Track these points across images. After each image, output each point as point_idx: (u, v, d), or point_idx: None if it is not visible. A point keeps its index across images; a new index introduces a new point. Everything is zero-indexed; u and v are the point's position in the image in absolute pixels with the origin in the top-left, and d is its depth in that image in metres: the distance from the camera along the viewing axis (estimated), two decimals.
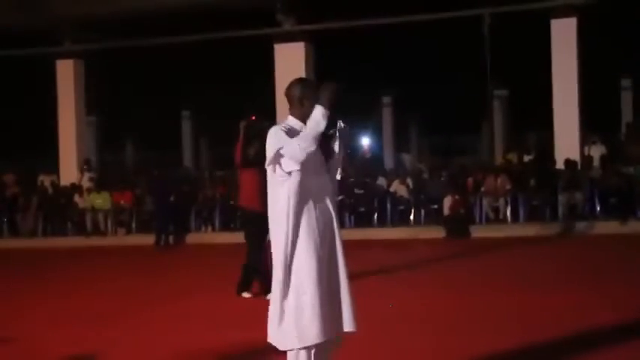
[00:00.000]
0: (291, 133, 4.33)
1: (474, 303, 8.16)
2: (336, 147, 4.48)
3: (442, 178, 18.13)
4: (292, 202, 4.32)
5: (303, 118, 4.39)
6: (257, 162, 8.34)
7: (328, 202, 4.43)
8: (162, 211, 17.65)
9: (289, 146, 4.26)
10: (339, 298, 4.37)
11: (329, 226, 4.42)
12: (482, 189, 17.27)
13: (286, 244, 4.32)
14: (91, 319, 8.15)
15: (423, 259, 12.69)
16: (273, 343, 4.38)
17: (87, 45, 21.21)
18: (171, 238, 17.66)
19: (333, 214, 4.45)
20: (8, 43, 20.54)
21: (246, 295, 9.05)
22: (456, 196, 16.42)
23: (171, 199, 17.82)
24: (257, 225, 8.47)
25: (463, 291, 9.07)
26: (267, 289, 8.48)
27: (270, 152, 4.34)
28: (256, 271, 8.92)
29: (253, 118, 9.07)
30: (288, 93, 4.48)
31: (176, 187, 18.51)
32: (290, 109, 4.49)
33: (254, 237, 8.82)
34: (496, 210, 17.15)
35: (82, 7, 19.59)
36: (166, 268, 13.57)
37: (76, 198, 19.70)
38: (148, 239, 17.81)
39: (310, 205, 4.35)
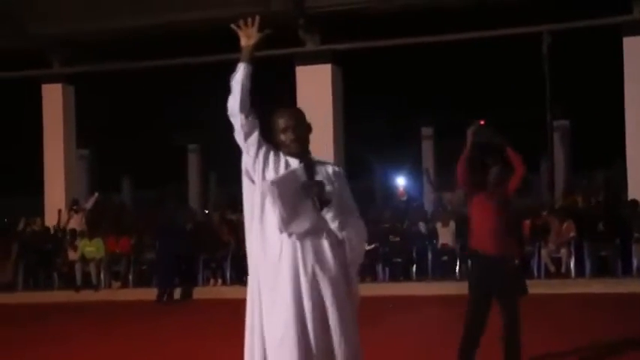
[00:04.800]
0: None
1: None
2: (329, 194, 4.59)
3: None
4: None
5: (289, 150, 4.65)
6: (492, 184, 7.63)
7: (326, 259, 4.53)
8: (168, 261, 17.59)
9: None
10: None
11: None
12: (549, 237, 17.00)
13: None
14: None
15: None
16: None
17: (78, 67, 21.34)
18: (176, 293, 17.55)
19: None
20: None
21: None
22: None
23: (180, 246, 17.81)
24: (486, 274, 7.58)
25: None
26: None
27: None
28: (472, 340, 7.69)
29: (482, 123, 8.05)
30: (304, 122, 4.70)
31: (183, 231, 18.48)
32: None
33: (477, 291, 7.67)
34: (557, 262, 16.91)
35: (73, 24, 19.75)
36: (171, 329, 13.44)
37: (70, 253, 19.48)
38: (147, 294, 17.72)
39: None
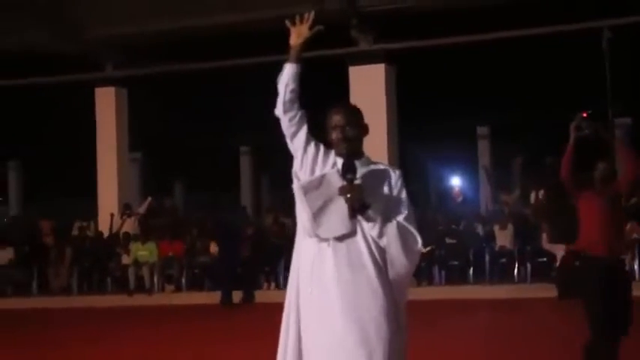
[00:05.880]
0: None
1: None
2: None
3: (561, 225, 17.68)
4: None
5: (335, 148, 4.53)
6: (599, 182, 7.14)
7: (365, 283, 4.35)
8: (229, 264, 17.66)
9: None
10: None
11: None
12: None
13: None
14: None
15: (529, 324, 12.36)
16: None
17: (130, 70, 21.50)
18: (237, 296, 17.55)
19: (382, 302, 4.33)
20: (40, 69, 20.93)
21: None
22: (571, 247, 16.01)
23: (242, 249, 17.93)
24: (598, 279, 7.00)
25: None
26: None
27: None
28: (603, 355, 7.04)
29: (585, 115, 7.34)
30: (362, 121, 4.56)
31: (244, 235, 18.56)
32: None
33: (594, 297, 7.04)
34: None
35: (126, 27, 19.89)
36: (226, 332, 13.46)
37: (124, 257, 19.62)
38: (200, 298, 17.83)
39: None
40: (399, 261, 4.32)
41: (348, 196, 4.28)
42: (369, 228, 4.33)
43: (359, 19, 18.94)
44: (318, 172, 4.43)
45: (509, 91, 21.70)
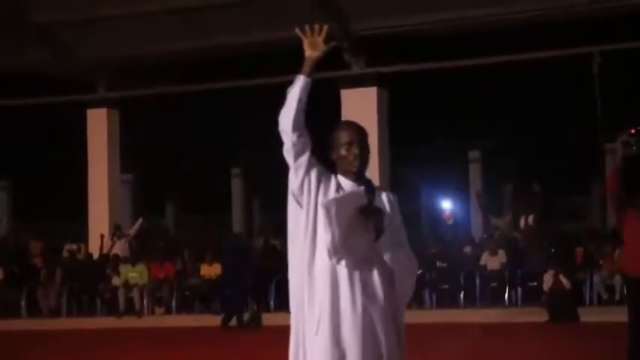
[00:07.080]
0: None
1: None
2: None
3: (551, 249, 17.75)
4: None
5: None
6: None
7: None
8: (235, 285, 17.53)
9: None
10: None
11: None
12: (602, 263, 16.85)
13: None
14: None
15: (519, 349, 12.36)
16: None
17: (123, 92, 21.52)
18: (246, 316, 17.41)
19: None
20: (32, 90, 20.94)
21: None
22: (560, 273, 16.05)
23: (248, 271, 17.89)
24: (635, 302, 6.94)
25: None
26: None
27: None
28: None
29: (633, 132, 7.51)
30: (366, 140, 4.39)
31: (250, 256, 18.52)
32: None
33: (631, 320, 6.98)
34: (610, 289, 16.68)
35: (119, 49, 19.94)
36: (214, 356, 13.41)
37: (114, 279, 19.53)
38: (190, 320, 17.74)
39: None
40: (404, 283, 4.28)
41: (371, 217, 4.16)
42: (383, 251, 4.23)
43: (351, 42, 19.01)
44: (321, 196, 4.22)
45: (501, 116, 21.80)
